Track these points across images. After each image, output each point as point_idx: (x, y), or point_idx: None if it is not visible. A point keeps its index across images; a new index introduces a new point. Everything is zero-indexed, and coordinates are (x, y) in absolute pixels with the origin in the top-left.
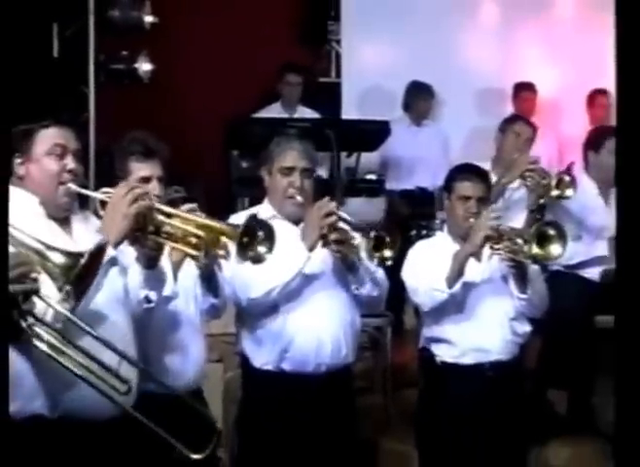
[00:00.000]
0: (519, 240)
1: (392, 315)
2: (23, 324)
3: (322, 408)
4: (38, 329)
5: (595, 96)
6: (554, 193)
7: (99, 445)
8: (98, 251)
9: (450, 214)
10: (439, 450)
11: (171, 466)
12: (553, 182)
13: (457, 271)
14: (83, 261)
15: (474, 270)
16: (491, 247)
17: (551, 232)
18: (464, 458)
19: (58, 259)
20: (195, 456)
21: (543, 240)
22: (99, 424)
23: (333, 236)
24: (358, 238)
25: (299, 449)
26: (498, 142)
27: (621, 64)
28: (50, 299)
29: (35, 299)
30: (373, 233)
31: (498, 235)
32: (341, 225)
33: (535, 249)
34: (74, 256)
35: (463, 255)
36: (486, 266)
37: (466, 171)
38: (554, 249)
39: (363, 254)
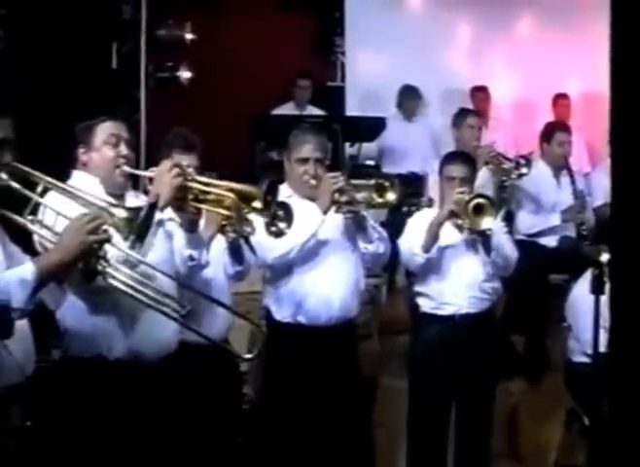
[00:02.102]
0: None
1: (387, 276)
2: (99, 267)
3: (331, 353)
4: (111, 271)
5: (558, 98)
6: (514, 173)
7: (149, 383)
8: (151, 206)
9: (440, 192)
10: (425, 384)
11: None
12: (513, 164)
13: (431, 239)
14: (142, 213)
15: (451, 236)
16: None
17: (486, 204)
18: (446, 389)
19: (121, 213)
20: (247, 356)
21: (478, 212)
22: (151, 365)
23: (343, 199)
24: (362, 196)
25: (313, 386)
26: (455, 135)
27: (615, 68)
28: (121, 245)
29: (108, 246)
30: (373, 181)
31: (461, 210)
32: (348, 188)
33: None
34: (134, 210)
35: (434, 224)
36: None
37: (452, 157)
38: (485, 222)
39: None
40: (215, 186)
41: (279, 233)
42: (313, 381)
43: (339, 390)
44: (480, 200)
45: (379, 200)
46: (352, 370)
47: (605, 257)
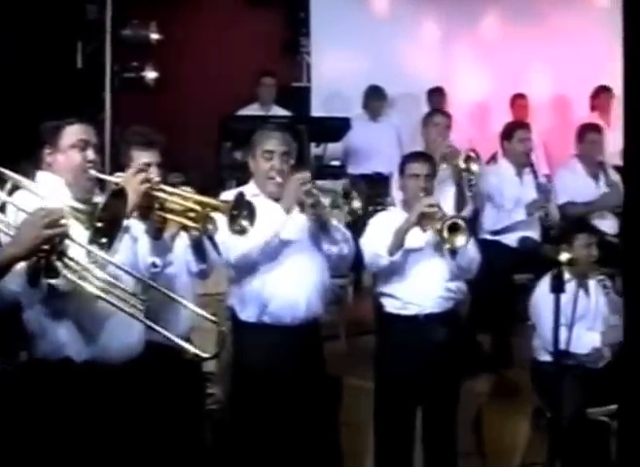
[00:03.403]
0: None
1: (353, 275)
2: (59, 263)
3: (297, 353)
4: (71, 266)
5: (516, 99)
6: (462, 166)
7: (116, 385)
8: (112, 194)
9: (404, 191)
10: (390, 384)
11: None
12: (462, 158)
13: (397, 243)
14: (103, 200)
15: (416, 239)
16: (423, 226)
17: (461, 224)
18: (411, 389)
19: (84, 207)
20: (206, 355)
21: (453, 231)
22: (116, 368)
23: (309, 201)
24: (328, 200)
25: (278, 385)
26: (423, 133)
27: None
28: (79, 239)
29: (68, 242)
30: (340, 188)
31: (430, 216)
32: (315, 192)
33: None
34: (95, 204)
35: (403, 229)
36: (425, 236)
37: (414, 155)
38: (459, 240)
39: (334, 220)
40: (181, 197)
41: (242, 231)
42: (279, 381)
43: (305, 390)
44: (455, 221)
45: (345, 208)
46: (317, 370)
47: (564, 256)
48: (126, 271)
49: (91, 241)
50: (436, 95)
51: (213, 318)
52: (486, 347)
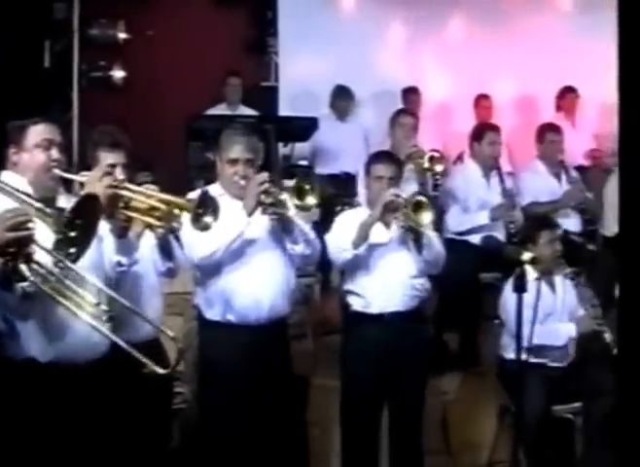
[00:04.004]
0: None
1: (321, 275)
2: (24, 267)
3: (263, 352)
4: (37, 270)
5: (479, 99)
6: (426, 166)
7: (81, 385)
8: (81, 200)
9: (369, 191)
10: (356, 383)
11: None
12: (426, 158)
13: (361, 238)
14: (71, 205)
15: (381, 234)
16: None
17: (425, 201)
18: (377, 388)
19: (51, 211)
20: (163, 371)
21: (418, 209)
22: (82, 368)
23: (268, 200)
24: (285, 195)
25: (244, 384)
26: (390, 133)
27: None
28: (44, 243)
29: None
30: (293, 183)
31: (394, 208)
32: (273, 191)
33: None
34: (62, 209)
35: (367, 222)
36: (390, 231)
37: (379, 156)
38: (425, 217)
39: (296, 219)
40: (146, 196)
41: (205, 227)
42: (244, 380)
43: (271, 389)
44: (420, 198)
45: (298, 203)
46: (284, 369)
47: (527, 256)
48: (91, 279)
49: (58, 248)
50: (410, 95)
51: (171, 334)
52: (453, 346)
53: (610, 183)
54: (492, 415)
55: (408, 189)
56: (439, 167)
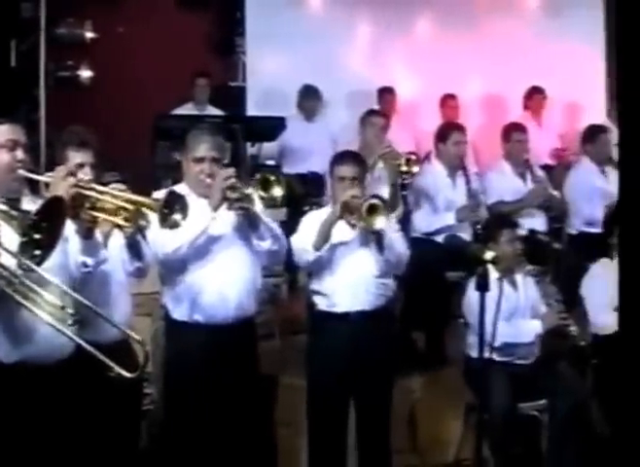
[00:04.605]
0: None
1: (288, 275)
2: None
3: (230, 351)
4: (1, 273)
5: (446, 99)
6: (404, 168)
7: (47, 386)
8: (47, 202)
9: (332, 191)
10: (322, 382)
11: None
12: (403, 161)
13: (322, 237)
14: (37, 208)
15: (344, 234)
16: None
17: (379, 204)
18: (343, 387)
19: (16, 213)
20: (129, 375)
21: (372, 212)
22: (48, 369)
23: (233, 195)
24: (251, 189)
25: (213, 384)
26: (360, 133)
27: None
28: (9, 246)
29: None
30: (258, 176)
31: (353, 208)
32: (239, 186)
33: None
34: (27, 212)
35: (326, 223)
36: (354, 230)
37: (342, 157)
38: (378, 222)
39: (263, 214)
40: (112, 196)
41: (174, 225)
42: (213, 380)
43: (239, 389)
44: (374, 201)
45: (264, 195)
46: (251, 368)
47: (489, 255)
48: (55, 282)
49: (23, 251)
50: (386, 94)
51: (137, 337)
52: (420, 345)
53: (569, 179)
54: (459, 414)
55: (380, 189)
56: (415, 169)
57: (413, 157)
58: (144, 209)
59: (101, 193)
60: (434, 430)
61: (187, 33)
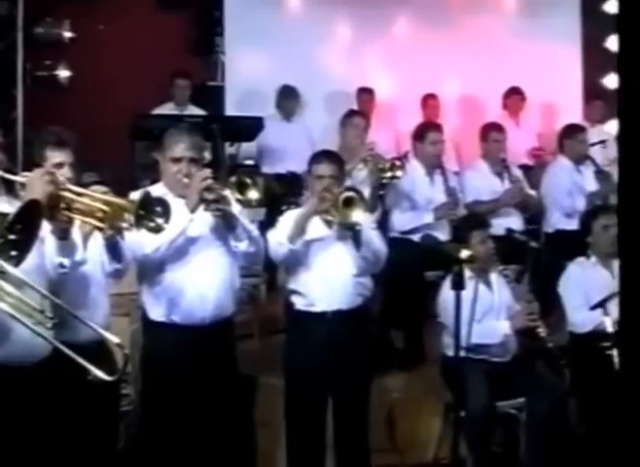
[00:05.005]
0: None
1: (267, 275)
2: None
3: (208, 352)
4: None
5: (427, 99)
6: (388, 174)
7: (25, 387)
8: (25, 205)
9: (310, 190)
10: (300, 382)
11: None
12: (387, 165)
13: (297, 230)
14: (15, 210)
15: (320, 230)
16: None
17: (356, 197)
18: (321, 387)
19: None
20: (108, 378)
21: (348, 205)
22: (25, 370)
23: (210, 196)
24: (228, 191)
25: (191, 386)
26: (341, 134)
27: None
28: None
29: None
30: (233, 179)
31: (331, 201)
32: (216, 187)
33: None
34: (4, 214)
35: (303, 215)
36: (330, 227)
37: (320, 156)
38: (355, 215)
39: (240, 216)
40: (88, 197)
41: (157, 229)
42: (191, 381)
43: (218, 390)
44: (350, 194)
45: (241, 198)
46: (230, 369)
47: (464, 253)
48: (31, 286)
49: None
50: (364, 95)
51: (115, 340)
52: (398, 344)
53: (546, 176)
54: (438, 413)
55: (366, 190)
56: (399, 173)
57: (398, 162)
58: (121, 212)
59: (78, 194)
60: (412, 429)
61: (165, 33)
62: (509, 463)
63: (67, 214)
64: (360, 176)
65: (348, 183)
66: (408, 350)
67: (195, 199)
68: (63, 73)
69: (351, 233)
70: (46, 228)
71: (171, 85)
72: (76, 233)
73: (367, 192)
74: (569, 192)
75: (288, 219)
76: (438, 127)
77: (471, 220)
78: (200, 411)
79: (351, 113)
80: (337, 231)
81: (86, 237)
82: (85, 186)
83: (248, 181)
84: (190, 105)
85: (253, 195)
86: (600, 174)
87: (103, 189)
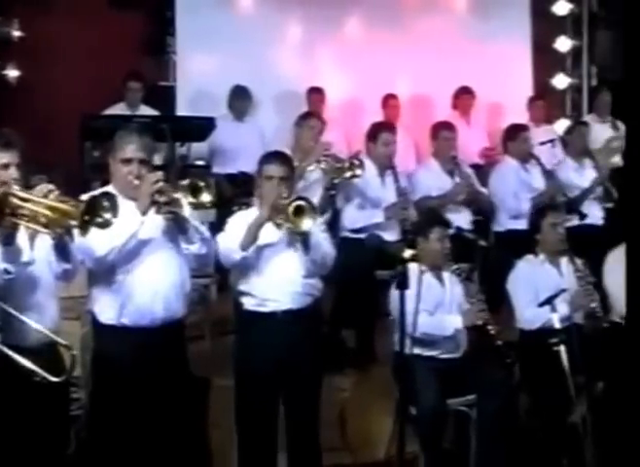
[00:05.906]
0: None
1: (218, 276)
2: None
3: (159, 354)
4: None
5: (388, 99)
6: (348, 173)
7: None
8: None
9: (260, 191)
10: (250, 383)
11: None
12: (347, 165)
13: (249, 239)
14: None
15: (270, 235)
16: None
17: (306, 206)
18: (271, 387)
19: None
20: (55, 379)
21: (298, 214)
22: None
23: (162, 199)
24: (179, 193)
25: (142, 388)
26: (295, 134)
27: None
28: None
29: None
30: (187, 181)
31: (283, 209)
32: (167, 189)
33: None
34: None
35: (253, 226)
36: (279, 231)
37: (271, 156)
38: (305, 223)
39: (191, 218)
40: (34, 202)
41: (106, 224)
42: (142, 383)
43: (170, 392)
44: (300, 203)
45: (193, 201)
46: (181, 371)
47: (407, 253)
48: None
49: None
50: (315, 95)
51: (64, 343)
52: (350, 343)
53: (493, 176)
54: (389, 411)
55: (312, 190)
56: (359, 172)
57: (356, 161)
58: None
59: (23, 199)
60: (364, 428)
61: (116, 32)
62: (460, 460)
63: (11, 219)
64: (312, 177)
65: (301, 184)
66: (360, 349)
67: (146, 202)
68: (12, 73)
69: (300, 238)
70: None
71: (124, 87)
72: (22, 233)
73: (319, 192)
74: (515, 193)
75: (236, 221)
76: (391, 128)
77: (432, 216)
78: (153, 413)
79: (307, 114)
80: (287, 235)
81: (32, 237)
82: (32, 186)
83: (200, 184)
84: (142, 105)
85: (205, 197)
86: (546, 173)
87: (49, 187)
